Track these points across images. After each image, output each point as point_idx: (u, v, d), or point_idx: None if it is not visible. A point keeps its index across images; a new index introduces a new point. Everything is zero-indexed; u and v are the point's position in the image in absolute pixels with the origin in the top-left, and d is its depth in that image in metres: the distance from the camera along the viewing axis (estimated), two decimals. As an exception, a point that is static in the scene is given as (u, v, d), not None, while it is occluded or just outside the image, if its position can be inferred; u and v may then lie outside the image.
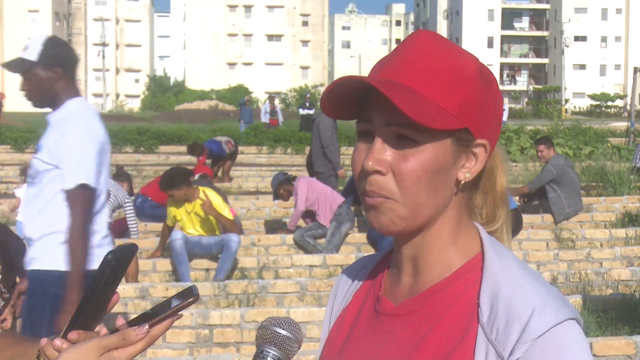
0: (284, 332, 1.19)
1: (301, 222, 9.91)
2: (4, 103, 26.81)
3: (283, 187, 9.66)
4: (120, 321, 1.17)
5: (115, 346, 1.14)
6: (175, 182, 8.11)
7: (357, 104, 1.23)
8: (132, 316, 1.19)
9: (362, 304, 1.32)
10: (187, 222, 8.33)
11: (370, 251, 9.37)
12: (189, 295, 1.16)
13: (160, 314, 1.16)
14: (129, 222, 9.43)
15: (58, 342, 1.16)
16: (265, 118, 29.64)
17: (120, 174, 10.68)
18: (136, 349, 1.15)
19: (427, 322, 1.20)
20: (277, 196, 9.93)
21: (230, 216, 8.35)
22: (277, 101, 33.82)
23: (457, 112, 1.18)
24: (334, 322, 1.37)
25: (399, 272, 1.27)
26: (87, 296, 1.18)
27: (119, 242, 8.54)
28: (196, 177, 10.63)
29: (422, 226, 1.22)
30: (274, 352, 1.18)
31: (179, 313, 1.16)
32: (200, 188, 8.33)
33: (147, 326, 1.15)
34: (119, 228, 9.38)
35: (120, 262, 1.17)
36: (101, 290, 1.18)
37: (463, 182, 1.22)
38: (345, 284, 1.39)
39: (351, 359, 1.27)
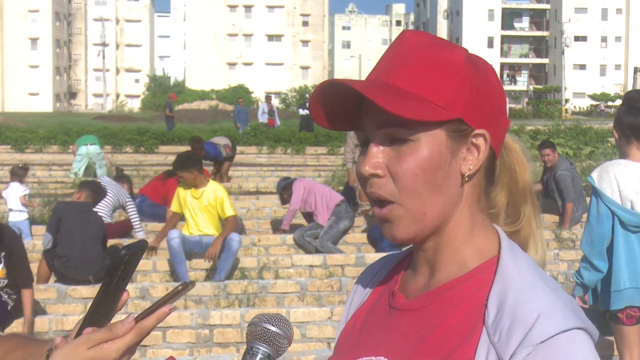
0: (273, 329, 1.19)
1: (304, 224, 9.92)
2: (173, 106, 28.15)
3: (286, 192, 9.69)
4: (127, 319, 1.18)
5: (103, 339, 1.15)
6: (188, 164, 8.19)
7: (355, 114, 1.23)
8: (133, 316, 1.19)
9: (378, 299, 1.33)
10: (191, 217, 8.32)
11: (371, 251, 9.37)
12: (179, 285, 1.17)
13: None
14: (133, 222, 9.49)
15: None
16: (262, 118, 29.49)
17: (120, 176, 10.70)
18: (125, 342, 1.15)
19: (434, 319, 1.20)
20: (283, 201, 9.94)
21: (232, 211, 8.34)
22: (273, 101, 33.68)
23: (446, 103, 1.17)
24: (350, 317, 1.38)
25: (416, 273, 1.28)
26: (101, 292, 1.18)
27: (120, 242, 8.54)
28: None
29: (436, 228, 1.21)
30: (264, 349, 1.19)
31: (173, 304, 1.17)
32: (210, 180, 8.43)
33: (132, 317, 1.15)
34: (119, 229, 9.39)
35: (132, 259, 1.17)
36: (114, 287, 1.18)
37: (467, 174, 1.21)
38: (365, 281, 1.39)
39: (360, 351, 1.28)
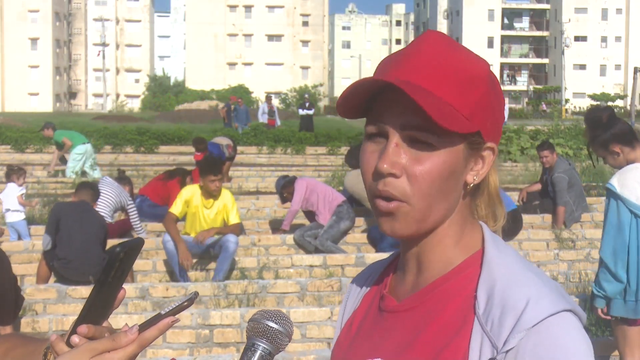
0: (275, 326, 1.20)
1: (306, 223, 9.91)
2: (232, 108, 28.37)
3: (286, 190, 9.66)
4: (125, 327, 1.18)
5: (106, 349, 1.14)
6: (220, 168, 8.44)
7: (365, 103, 1.23)
8: (133, 316, 1.19)
9: (370, 305, 1.35)
10: (196, 222, 8.29)
11: (371, 251, 9.37)
12: (184, 300, 1.17)
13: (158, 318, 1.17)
14: (133, 224, 9.49)
15: (76, 338, 1.17)
16: (263, 118, 29.49)
17: (122, 178, 10.69)
18: (127, 352, 1.15)
19: (426, 317, 1.22)
20: (283, 200, 9.91)
21: (237, 219, 8.39)
22: (274, 101, 33.63)
23: (470, 115, 1.19)
24: (344, 325, 1.39)
25: (404, 272, 1.29)
26: (96, 290, 1.17)
27: (119, 242, 8.54)
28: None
29: (433, 229, 1.23)
30: (265, 345, 1.19)
31: (175, 317, 1.17)
32: (223, 189, 8.45)
33: (136, 327, 1.15)
34: (119, 228, 9.39)
35: (128, 256, 1.17)
36: (109, 284, 1.17)
37: (471, 184, 1.23)
38: (357, 289, 1.41)
39: (355, 357, 1.29)
